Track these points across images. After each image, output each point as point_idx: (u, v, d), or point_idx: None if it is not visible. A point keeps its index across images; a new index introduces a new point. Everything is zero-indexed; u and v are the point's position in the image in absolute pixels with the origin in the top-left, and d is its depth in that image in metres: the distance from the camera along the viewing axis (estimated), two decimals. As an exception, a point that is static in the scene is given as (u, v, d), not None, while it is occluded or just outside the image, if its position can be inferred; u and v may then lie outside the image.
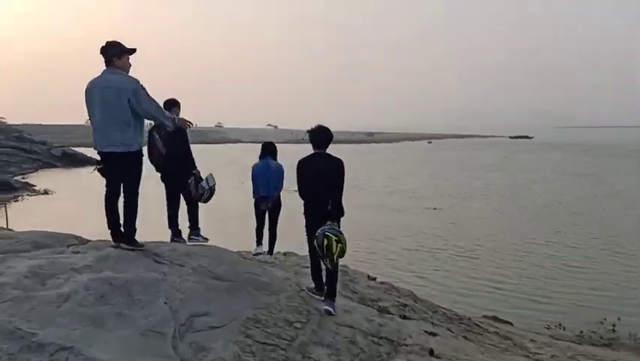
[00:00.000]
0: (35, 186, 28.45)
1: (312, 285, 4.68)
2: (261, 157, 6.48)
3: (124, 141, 4.04)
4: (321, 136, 4.71)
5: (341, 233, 4.38)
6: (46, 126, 79.02)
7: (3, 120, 60.98)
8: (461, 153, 69.49)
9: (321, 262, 4.46)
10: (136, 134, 4.11)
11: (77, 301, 2.77)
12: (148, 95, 4.15)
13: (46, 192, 27.17)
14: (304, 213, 4.66)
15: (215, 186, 5.46)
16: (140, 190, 4.22)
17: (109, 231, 4.11)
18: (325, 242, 4.25)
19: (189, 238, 5.46)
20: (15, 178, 30.26)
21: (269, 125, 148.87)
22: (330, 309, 4.29)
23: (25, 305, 2.62)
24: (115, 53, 4.16)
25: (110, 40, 4.20)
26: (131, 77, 4.16)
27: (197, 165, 5.43)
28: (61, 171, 37.78)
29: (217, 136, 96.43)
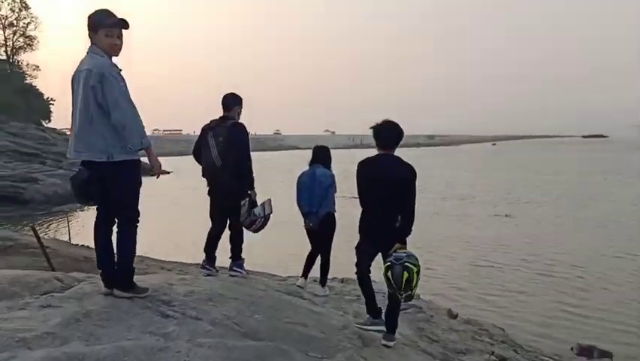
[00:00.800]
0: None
1: (367, 316, 3.73)
2: (310, 164, 5.38)
3: (104, 148, 3.01)
4: (388, 133, 3.79)
5: (417, 260, 3.51)
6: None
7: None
8: (529, 155, 65.53)
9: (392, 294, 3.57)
10: (117, 137, 3.05)
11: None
12: (121, 89, 3.03)
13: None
14: (360, 228, 3.78)
15: (271, 215, 4.55)
16: (139, 211, 3.22)
17: (99, 272, 3.14)
18: (405, 275, 3.38)
19: (230, 270, 4.54)
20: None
21: (326, 130, 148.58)
22: (389, 343, 3.62)
23: None
24: (89, 26, 3.12)
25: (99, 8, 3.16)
26: (105, 60, 3.08)
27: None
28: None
29: (275, 143, 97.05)
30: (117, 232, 3.12)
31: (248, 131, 4.61)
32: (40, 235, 16.44)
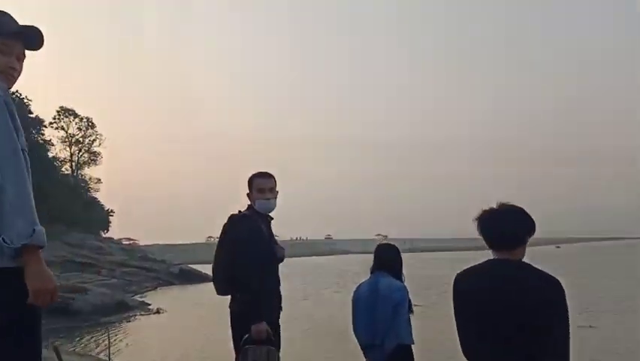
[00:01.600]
0: (150, 305, 28.49)
1: None
2: (372, 272, 3.86)
3: None
4: (506, 222, 2.24)
5: None
6: (171, 246, 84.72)
7: (136, 242, 65.82)
8: (600, 258, 60.75)
9: None
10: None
11: None
12: (7, 124, 1.77)
13: (157, 311, 27.00)
14: None
15: None
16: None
17: None
18: None
19: None
20: (133, 298, 30.82)
21: (378, 235, 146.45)
22: None
23: None
24: None
25: None
26: None
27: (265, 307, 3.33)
28: (177, 289, 38.43)
29: (326, 248, 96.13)
30: None
31: (255, 225, 3.39)
32: (83, 350, 16.04)
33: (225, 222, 3.49)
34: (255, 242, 3.29)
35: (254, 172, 3.60)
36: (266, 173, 3.57)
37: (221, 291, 3.48)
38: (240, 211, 3.48)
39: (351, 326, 3.78)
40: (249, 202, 3.52)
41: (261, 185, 3.49)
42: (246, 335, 3.20)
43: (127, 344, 17.49)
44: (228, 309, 3.48)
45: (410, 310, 3.66)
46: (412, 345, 3.64)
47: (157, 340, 18.30)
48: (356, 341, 3.79)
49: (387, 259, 3.86)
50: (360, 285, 3.87)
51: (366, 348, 3.66)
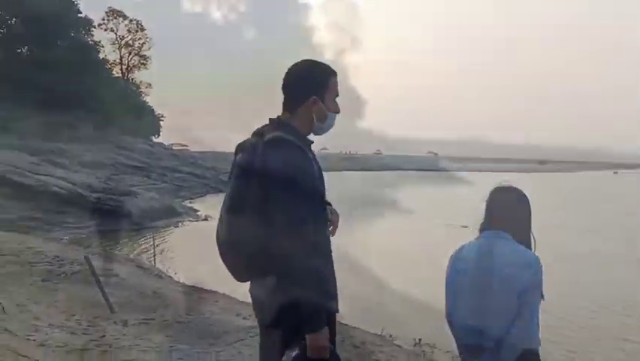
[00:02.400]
0: (199, 211, 28.80)
1: None
2: (481, 230, 2.27)
3: None
4: None
5: None
6: (222, 154, 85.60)
7: (187, 148, 66.76)
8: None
9: None
10: None
11: None
12: None
13: (206, 219, 27.19)
14: None
15: None
16: None
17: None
18: None
19: None
20: (183, 203, 31.27)
21: (429, 152, 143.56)
22: None
23: None
24: None
25: None
26: None
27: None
28: (226, 196, 38.81)
29: (377, 163, 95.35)
30: None
31: (306, 158, 1.93)
32: (127, 254, 16.12)
33: (240, 155, 2.05)
34: (308, 187, 1.86)
35: (320, 64, 2.08)
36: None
37: (242, 274, 2.05)
38: (279, 125, 2.01)
39: (445, 310, 2.33)
40: (281, 116, 2.04)
41: (337, 90, 2.06)
42: (294, 352, 1.84)
43: (172, 250, 17.54)
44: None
45: (541, 296, 2.15)
46: (539, 347, 2.17)
47: (202, 247, 18.10)
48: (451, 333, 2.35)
49: (509, 211, 2.26)
50: (461, 248, 2.30)
51: (468, 350, 2.24)
